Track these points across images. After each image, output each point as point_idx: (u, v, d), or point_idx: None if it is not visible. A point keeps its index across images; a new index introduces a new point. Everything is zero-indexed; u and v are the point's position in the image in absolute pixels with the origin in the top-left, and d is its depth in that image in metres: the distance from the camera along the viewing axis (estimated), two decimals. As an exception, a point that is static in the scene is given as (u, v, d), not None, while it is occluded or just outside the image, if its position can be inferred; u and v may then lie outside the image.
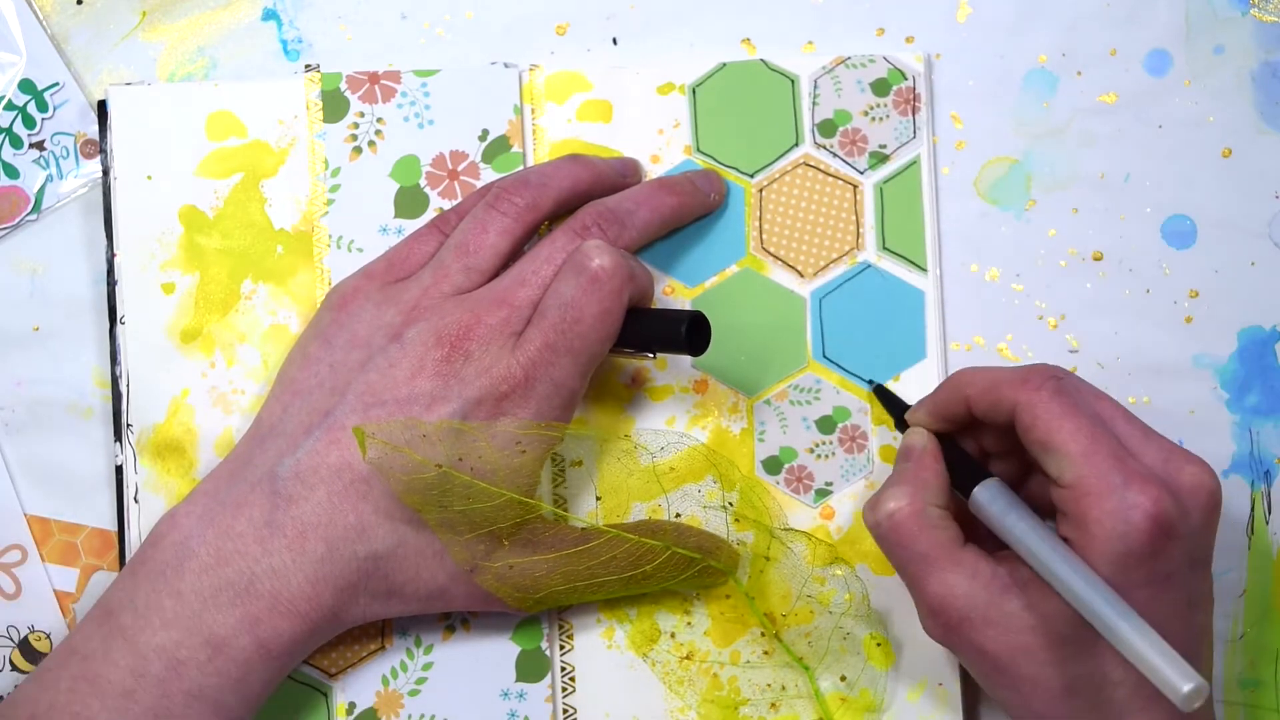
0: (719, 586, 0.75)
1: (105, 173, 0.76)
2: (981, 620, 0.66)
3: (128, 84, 0.77)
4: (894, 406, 0.74)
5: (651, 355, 0.72)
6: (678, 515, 0.75)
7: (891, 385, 0.76)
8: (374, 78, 0.77)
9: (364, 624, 0.72)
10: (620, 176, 0.75)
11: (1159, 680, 0.61)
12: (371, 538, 0.68)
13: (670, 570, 0.73)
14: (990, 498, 0.68)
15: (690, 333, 0.69)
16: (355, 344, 0.71)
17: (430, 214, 0.76)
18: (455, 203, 0.76)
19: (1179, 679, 0.60)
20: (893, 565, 0.69)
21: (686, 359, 0.76)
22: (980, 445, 0.72)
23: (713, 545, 0.73)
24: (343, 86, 0.77)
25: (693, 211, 0.76)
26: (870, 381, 0.76)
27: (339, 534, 0.68)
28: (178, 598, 0.67)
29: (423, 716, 0.75)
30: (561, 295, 0.68)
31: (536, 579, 0.70)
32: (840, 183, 0.77)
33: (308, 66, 0.78)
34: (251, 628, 0.67)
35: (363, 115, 0.77)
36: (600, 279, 0.68)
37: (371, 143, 0.76)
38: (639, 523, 0.73)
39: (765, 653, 0.76)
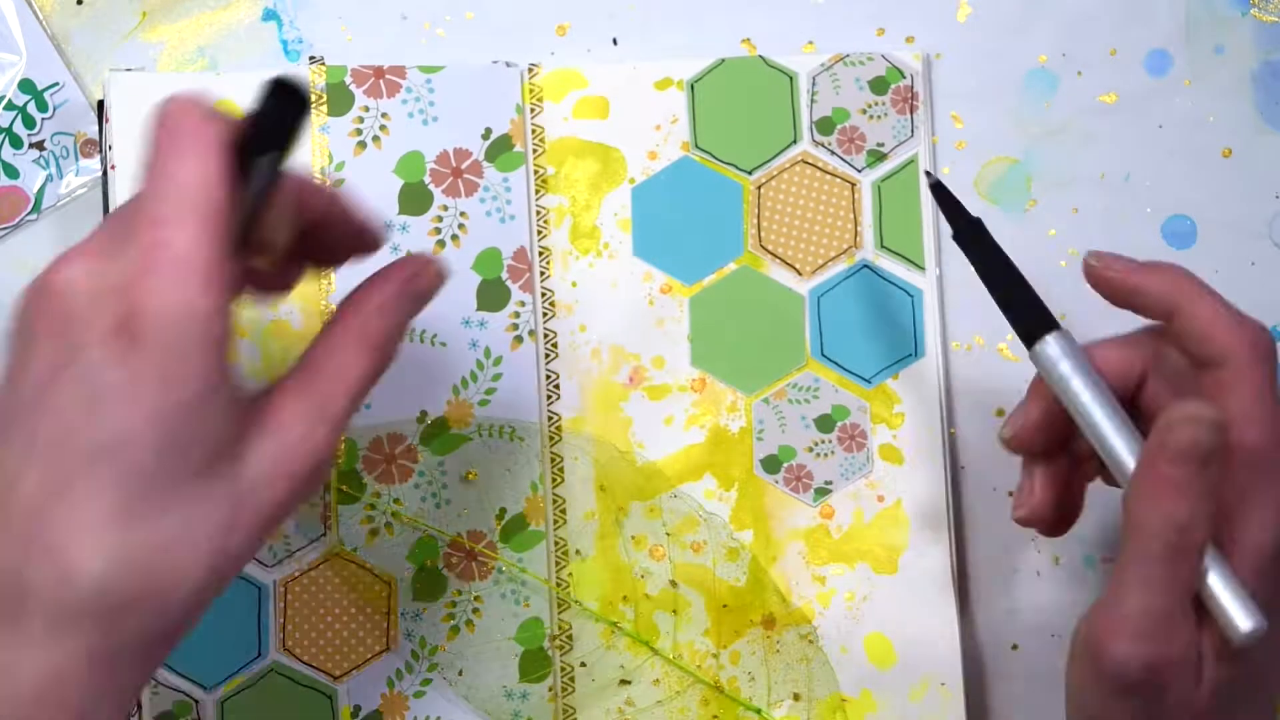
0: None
1: (103, 161, 0.76)
2: (1184, 665, 0.58)
3: (127, 69, 0.77)
4: (953, 208, 0.67)
5: (276, 156, 0.56)
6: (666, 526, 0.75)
7: (891, 384, 0.76)
8: (379, 72, 0.77)
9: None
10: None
11: (1223, 612, 0.57)
12: (84, 575, 0.53)
13: None
14: (1060, 352, 0.62)
15: (276, 95, 0.55)
16: None
17: (435, 211, 0.76)
18: (459, 200, 0.76)
19: (1241, 617, 0.57)
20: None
21: (685, 362, 0.76)
22: None
23: None
24: (348, 80, 0.77)
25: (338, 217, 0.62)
26: (928, 174, 0.74)
27: (52, 595, 0.54)
28: None
29: (428, 718, 0.75)
30: (146, 164, 0.55)
31: None
32: (838, 181, 0.77)
33: (312, 58, 0.78)
34: None
35: (367, 110, 0.77)
36: (172, 118, 0.55)
37: (376, 138, 0.77)
38: None
39: (715, 716, 0.76)
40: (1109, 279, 0.63)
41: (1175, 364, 0.63)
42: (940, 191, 0.68)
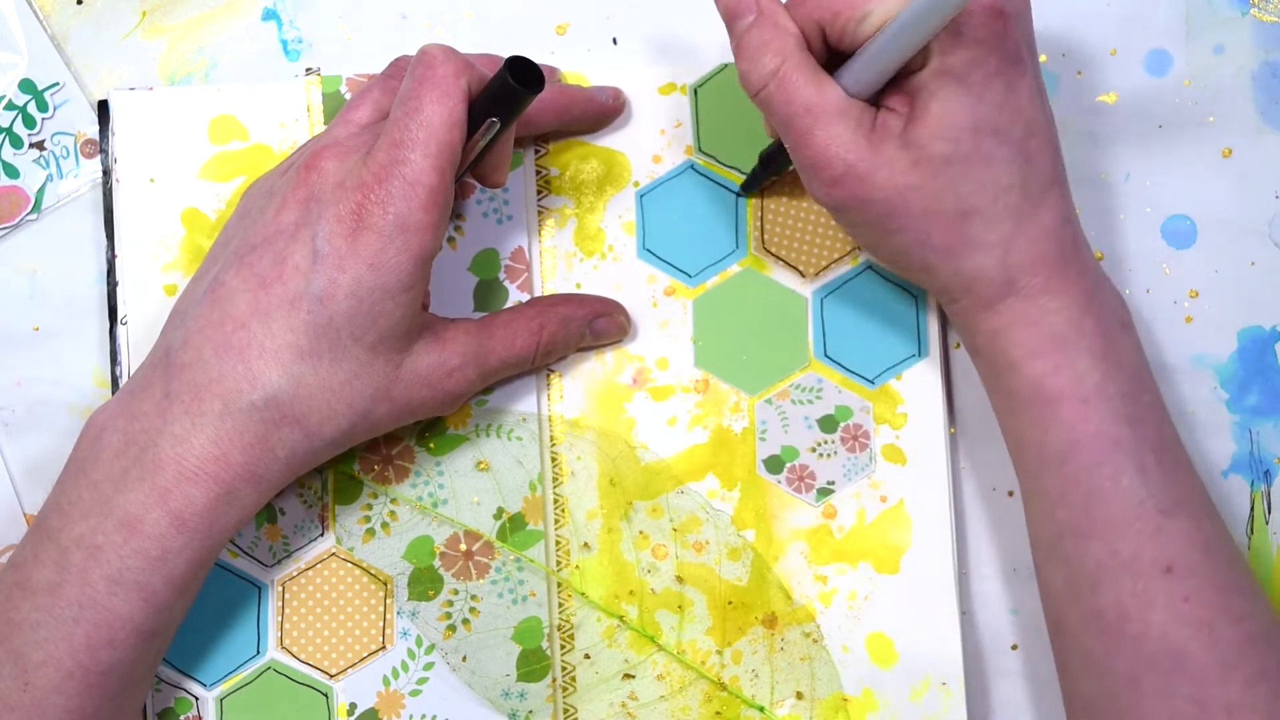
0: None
1: (106, 174, 0.76)
2: (868, 168, 0.66)
3: (131, 88, 0.77)
4: (757, 175, 0.76)
5: (500, 123, 0.68)
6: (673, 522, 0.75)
7: (893, 385, 0.76)
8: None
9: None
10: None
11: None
12: (264, 383, 0.67)
13: None
14: (850, 71, 0.67)
15: (514, 73, 0.66)
16: (247, 215, 0.71)
17: (431, 214, 0.77)
18: (456, 202, 0.76)
19: None
20: (776, 126, 0.68)
21: (689, 363, 0.76)
22: None
23: None
24: (343, 89, 0.77)
25: (578, 104, 0.77)
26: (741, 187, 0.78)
27: (231, 387, 0.67)
28: (93, 487, 0.67)
29: (424, 717, 0.75)
30: (401, 93, 0.67)
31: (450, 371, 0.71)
32: (842, 181, 0.77)
33: (308, 70, 0.78)
34: (162, 500, 0.66)
35: (364, 116, 0.77)
36: (431, 64, 0.66)
37: (372, 143, 0.76)
38: None
39: (718, 713, 0.76)
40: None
41: None
42: (754, 177, 0.76)
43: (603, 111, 0.77)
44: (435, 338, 0.70)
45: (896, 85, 0.67)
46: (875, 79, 0.66)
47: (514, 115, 0.68)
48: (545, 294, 0.77)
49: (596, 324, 0.76)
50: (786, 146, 0.68)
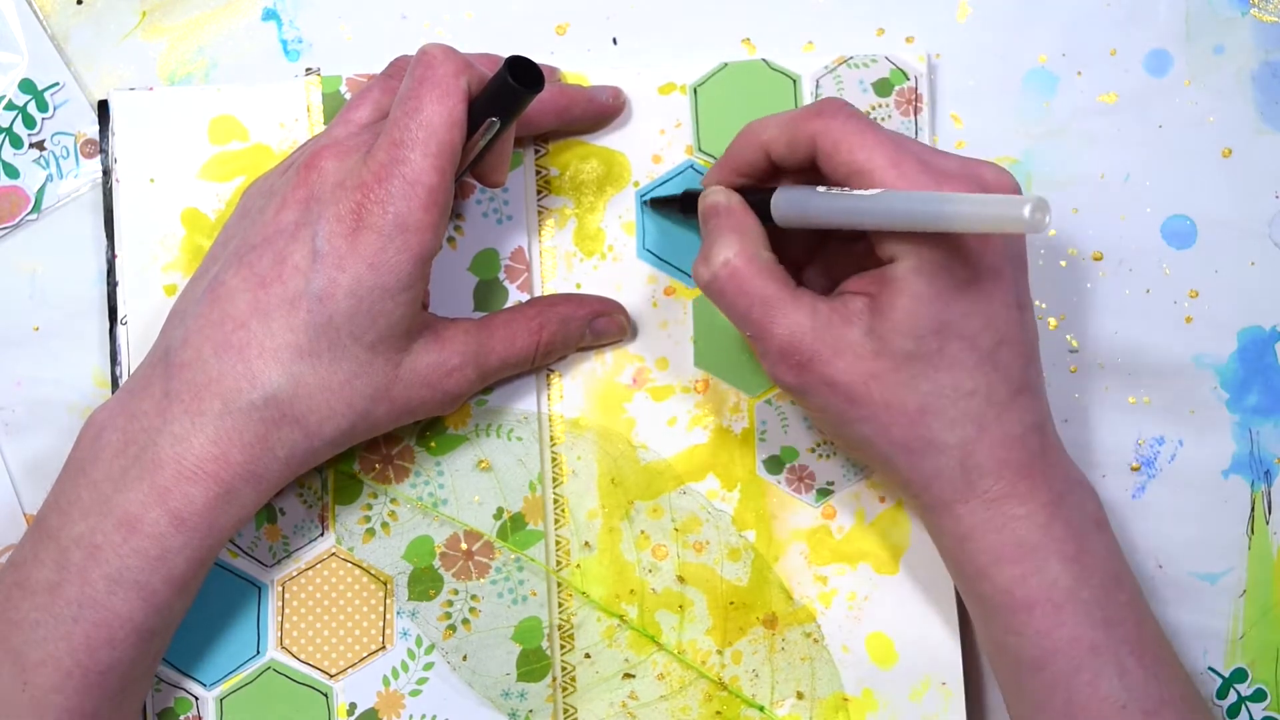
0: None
1: (106, 173, 0.76)
2: (831, 353, 0.66)
3: (131, 89, 0.77)
4: (672, 201, 0.75)
5: (500, 123, 0.68)
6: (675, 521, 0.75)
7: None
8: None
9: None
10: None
11: (1002, 219, 0.58)
12: (264, 382, 0.67)
13: None
14: (789, 194, 0.67)
15: (514, 72, 0.66)
16: (246, 214, 0.71)
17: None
18: (456, 202, 0.76)
19: (1015, 206, 0.58)
20: (733, 319, 0.68)
21: (689, 364, 0.76)
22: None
23: None
24: (343, 89, 0.77)
25: (578, 104, 0.76)
26: (641, 199, 0.77)
27: (231, 386, 0.67)
28: (93, 486, 0.67)
29: (424, 717, 0.75)
30: (401, 93, 0.67)
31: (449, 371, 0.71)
32: (842, 182, 0.77)
33: (308, 70, 0.78)
34: (161, 499, 0.66)
35: (363, 115, 0.77)
36: (431, 64, 0.66)
37: (372, 143, 0.76)
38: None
39: (718, 713, 0.76)
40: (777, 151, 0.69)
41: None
42: (657, 202, 0.76)
43: (603, 111, 0.77)
44: (435, 337, 0.70)
45: (862, 268, 0.67)
46: (823, 224, 0.66)
47: (514, 115, 0.68)
48: (545, 294, 0.77)
49: (596, 324, 0.76)
50: (744, 335, 0.68)
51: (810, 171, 0.68)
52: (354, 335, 0.67)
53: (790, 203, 0.67)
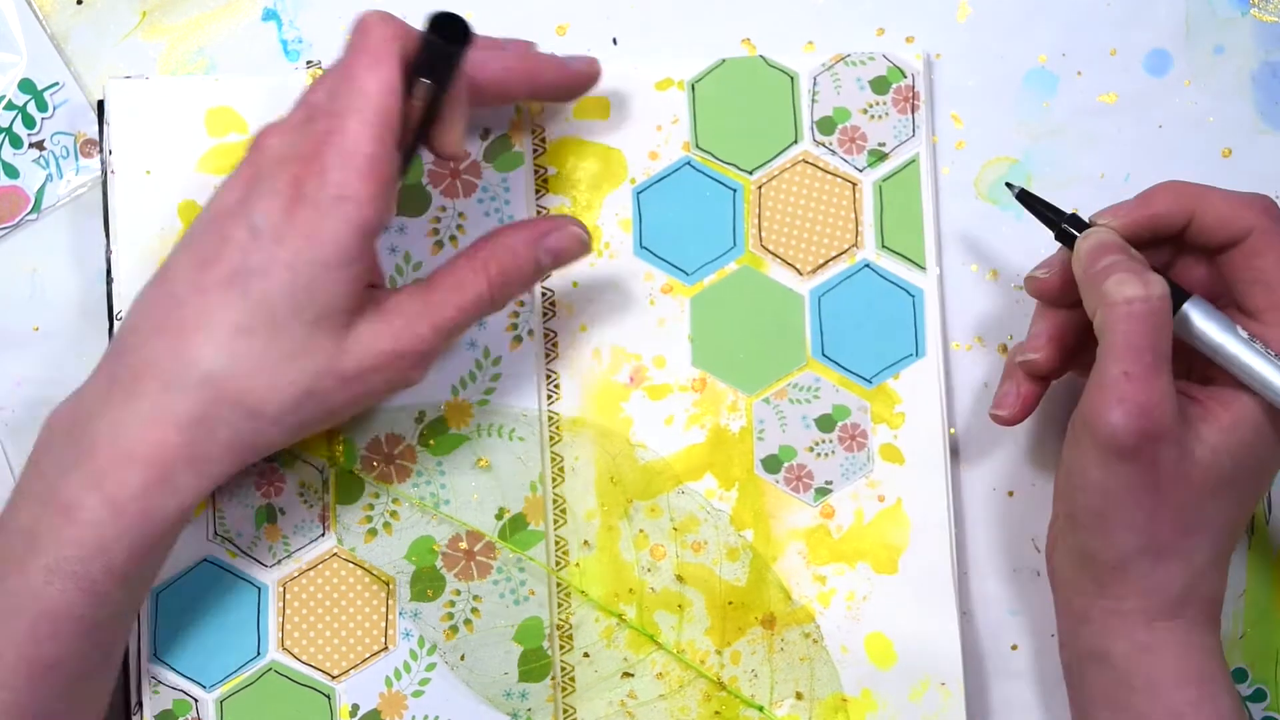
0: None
1: (103, 165, 0.76)
2: (1175, 439, 0.65)
3: (127, 77, 0.77)
4: (1045, 209, 0.71)
5: (437, 85, 0.66)
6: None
7: (891, 384, 0.76)
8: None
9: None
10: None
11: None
12: (200, 360, 0.65)
13: None
14: (1204, 313, 0.68)
15: (438, 28, 0.65)
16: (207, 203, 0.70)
17: (433, 212, 0.76)
18: (457, 201, 0.76)
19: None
20: (1111, 338, 0.65)
21: (686, 362, 0.76)
22: None
23: None
24: (343, 86, 0.77)
25: (547, 70, 0.74)
26: (1010, 185, 0.73)
27: (168, 367, 0.65)
28: (41, 477, 0.66)
29: (426, 718, 0.75)
30: (336, 63, 0.66)
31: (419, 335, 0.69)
32: (839, 180, 0.77)
33: (309, 63, 0.78)
34: (97, 484, 0.64)
35: (363, 112, 0.77)
36: (366, 31, 0.65)
37: (372, 140, 0.76)
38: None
39: (717, 713, 0.76)
40: (1135, 229, 0.69)
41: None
42: (1028, 199, 0.71)
43: (576, 78, 0.74)
44: (377, 307, 0.68)
45: (1209, 377, 0.69)
46: (1216, 360, 0.68)
47: (448, 75, 0.66)
48: (539, 290, 0.76)
49: (549, 243, 0.71)
50: (1101, 361, 0.66)
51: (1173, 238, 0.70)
52: (293, 311, 0.65)
53: (1204, 322, 0.68)
